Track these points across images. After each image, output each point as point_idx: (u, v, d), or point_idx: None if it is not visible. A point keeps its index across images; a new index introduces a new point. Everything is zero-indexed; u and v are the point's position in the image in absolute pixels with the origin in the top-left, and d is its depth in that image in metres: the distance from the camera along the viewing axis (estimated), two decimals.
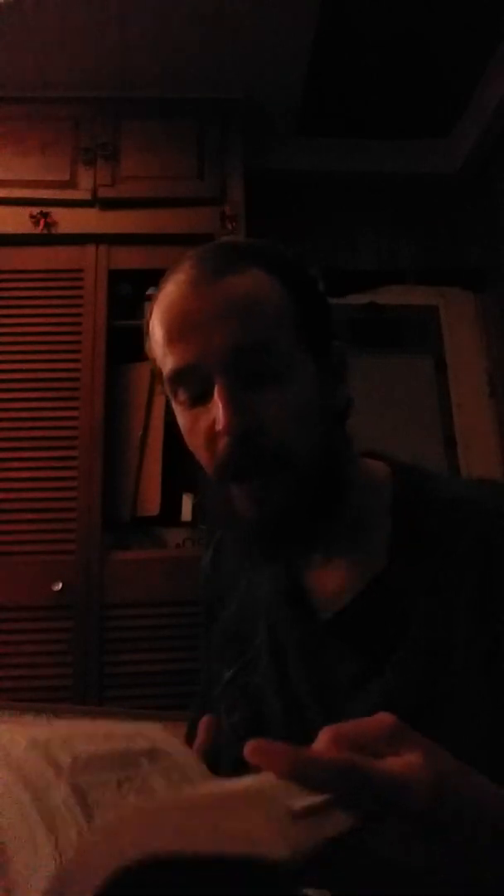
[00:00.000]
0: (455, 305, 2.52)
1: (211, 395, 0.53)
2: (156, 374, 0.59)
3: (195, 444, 0.56)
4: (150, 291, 1.84)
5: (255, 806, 0.29)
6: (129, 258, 2.02)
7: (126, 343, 1.88)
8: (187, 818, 0.29)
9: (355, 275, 2.46)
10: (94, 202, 2.05)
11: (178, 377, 0.55)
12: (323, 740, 0.33)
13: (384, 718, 0.33)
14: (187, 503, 1.96)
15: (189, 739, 0.74)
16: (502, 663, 0.50)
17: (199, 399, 0.54)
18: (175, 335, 0.54)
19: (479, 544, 0.53)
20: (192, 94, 2.17)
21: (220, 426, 0.51)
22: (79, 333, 1.95)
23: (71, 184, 2.06)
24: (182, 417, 0.57)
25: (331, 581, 0.59)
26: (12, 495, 1.82)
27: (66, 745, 0.46)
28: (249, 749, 0.30)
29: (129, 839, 0.28)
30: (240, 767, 0.33)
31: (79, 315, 1.96)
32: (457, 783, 0.32)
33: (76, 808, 0.39)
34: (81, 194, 2.04)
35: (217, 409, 0.52)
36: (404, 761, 0.31)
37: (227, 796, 0.30)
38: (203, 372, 0.53)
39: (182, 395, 0.55)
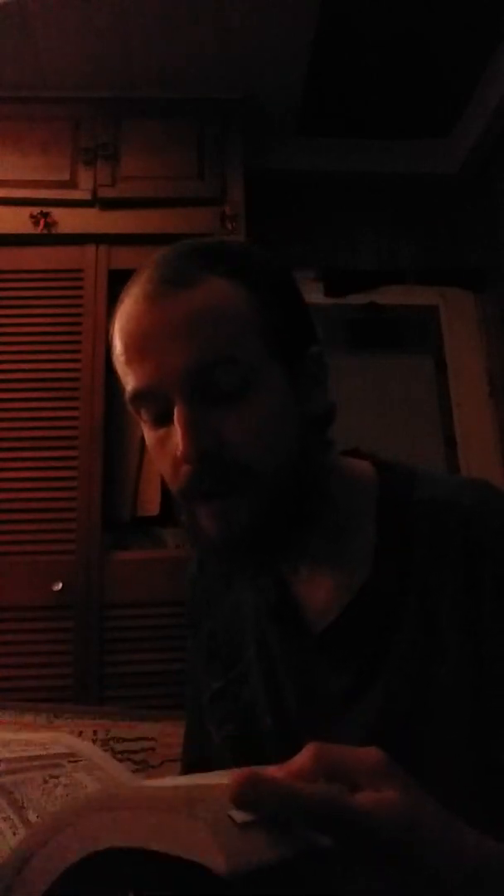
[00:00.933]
0: (455, 305, 2.52)
1: (173, 416, 0.52)
2: (121, 388, 0.58)
3: (161, 465, 0.55)
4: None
5: (203, 812, 0.28)
6: (129, 258, 2.01)
7: None
8: (138, 815, 0.29)
9: (355, 275, 2.46)
10: (94, 202, 2.05)
11: (138, 399, 0.54)
12: (306, 756, 0.33)
13: (372, 753, 0.34)
14: None
15: (186, 747, 0.74)
16: (488, 666, 0.49)
17: (162, 419, 0.53)
18: (132, 356, 0.53)
19: (465, 547, 0.53)
20: (193, 94, 2.17)
21: (179, 453, 0.50)
22: (79, 333, 1.95)
23: (71, 184, 2.06)
24: (147, 437, 0.56)
25: (319, 591, 0.58)
26: (12, 495, 1.82)
27: None
28: (238, 781, 0.30)
29: (88, 830, 0.29)
30: None
31: (79, 315, 1.96)
32: (431, 826, 0.32)
33: (5, 807, 0.40)
34: (81, 194, 2.04)
35: (178, 435, 0.51)
36: (379, 797, 0.31)
37: (178, 799, 0.30)
38: (162, 394, 0.52)
39: (145, 415, 0.55)
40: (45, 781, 0.43)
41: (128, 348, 0.53)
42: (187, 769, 0.72)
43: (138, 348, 0.52)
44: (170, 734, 1.33)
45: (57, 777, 0.44)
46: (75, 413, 1.88)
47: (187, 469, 0.51)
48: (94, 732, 1.35)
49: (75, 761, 0.47)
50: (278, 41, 2.03)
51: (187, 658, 0.75)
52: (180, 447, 0.50)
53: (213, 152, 2.12)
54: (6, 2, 1.84)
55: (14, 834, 0.37)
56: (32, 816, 0.39)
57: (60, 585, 1.75)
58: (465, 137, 2.44)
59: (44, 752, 0.48)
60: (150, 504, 1.90)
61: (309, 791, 0.30)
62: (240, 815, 0.29)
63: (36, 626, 1.74)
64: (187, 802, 0.29)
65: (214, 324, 0.51)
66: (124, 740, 1.36)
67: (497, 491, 0.58)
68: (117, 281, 1.99)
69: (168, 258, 0.55)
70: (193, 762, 0.71)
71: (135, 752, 1.33)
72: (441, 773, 0.48)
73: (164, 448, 0.54)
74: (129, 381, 0.54)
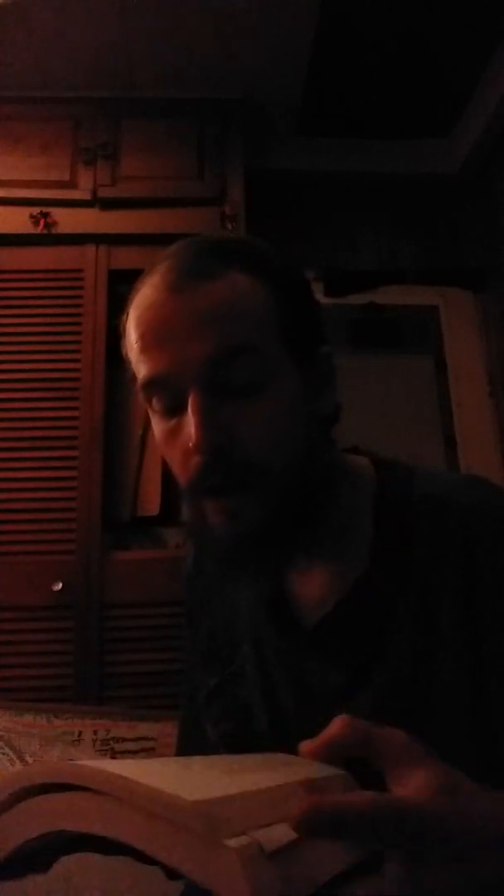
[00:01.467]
0: (455, 305, 2.52)
1: (186, 406, 0.51)
2: (132, 375, 0.57)
3: (170, 457, 0.55)
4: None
5: (227, 837, 0.26)
6: (129, 258, 2.01)
7: None
8: (136, 815, 0.27)
9: (355, 275, 2.46)
10: (94, 202, 2.05)
11: (152, 386, 0.53)
12: (336, 729, 0.33)
13: (397, 733, 0.34)
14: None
15: (180, 744, 0.74)
16: (489, 664, 0.49)
17: (174, 410, 0.53)
18: (149, 343, 0.52)
19: (461, 544, 0.52)
20: (193, 94, 2.17)
21: (192, 444, 0.50)
22: (79, 333, 1.95)
23: (71, 184, 2.06)
24: (157, 427, 0.56)
25: (314, 587, 0.58)
26: (12, 495, 1.82)
27: None
28: (302, 812, 0.29)
29: (67, 806, 0.28)
30: None
31: (79, 315, 1.96)
32: (471, 801, 0.32)
33: (6, 747, 0.41)
34: (81, 194, 2.04)
35: (190, 425, 0.50)
36: (416, 787, 0.31)
37: (193, 816, 0.26)
38: (177, 383, 0.51)
39: (157, 405, 0.54)
40: (42, 745, 0.45)
41: (145, 335, 0.53)
42: None
43: (157, 336, 0.52)
44: (170, 734, 1.34)
45: (52, 745, 0.46)
46: (75, 413, 1.88)
47: (198, 461, 0.51)
48: (94, 732, 1.35)
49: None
50: (278, 41, 2.03)
51: (185, 658, 0.74)
52: (193, 437, 0.50)
53: (213, 152, 2.12)
54: (6, 1, 1.84)
55: (11, 765, 0.39)
56: (30, 759, 0.41)
57: (60, 585, 1.75)
58: (465, 137, 2.44)
59: (46, 726, 0.50)
60: (150, 504, 1.90)
61: (369, 803, 0.29)
62: (269, 843, 0.26)
63: (36, 626, 1.74)
64: (207, 822, 0.25)
65: (234, 318, 0.51)
66: (124, 740, 1.36)
67: (496, 488, 0.58)
68: (117, 281, 2.00)
69: (188, 251, 0.55)
70: None
71: (135, 752, 1.34)
72: None
73: (175, 439, 0.53)
74: (143, 370, 0.53)
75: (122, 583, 1.79)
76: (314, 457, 0.54)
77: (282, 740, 0.57)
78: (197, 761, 0.36)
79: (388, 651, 0.52)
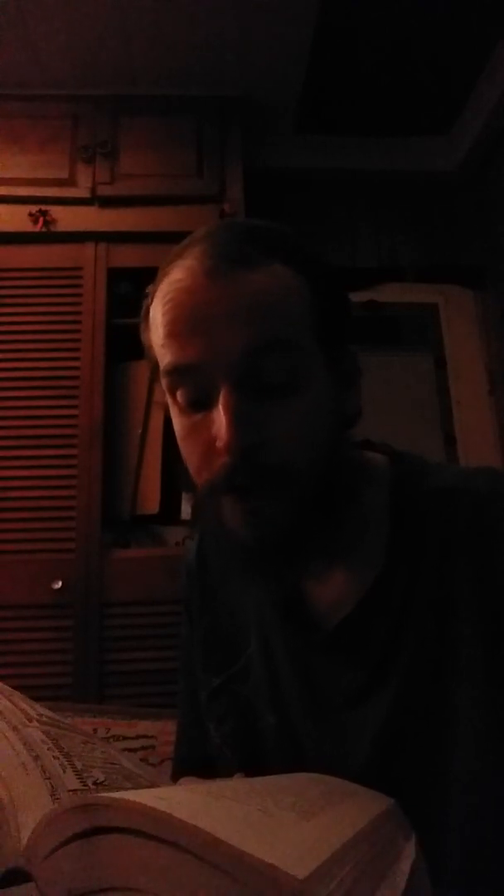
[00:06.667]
0: (455, 303, 2.51)
1: (213, 401, 0.48)
2: (151, 364, 0.54)
3: (191, 453, 0.52)
4: (149, 289, 1.83)
5: None
6: (128, 256, 2.01)
7: (125, 341, 1.87)
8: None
9: (355, 273, 2.46)
10: (93, 200, 2.04)
11: (179, 374, 0.49)
12: None
13: None
14: (187, 501, 1.96)
15: (179, 742, 0.73)
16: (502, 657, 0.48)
17: (200, 404, 0.50)
18: (180, 328, 0.48)
19: (476, 532, 0.51)
20: (192, 92, 2.17)
21: (221, 443, 0.47)
22: (78, 332, 1.94)
23: (70, 182, 2.05)
24: (178, 421, 0.52)
25: (330, 587, 0.57)
26: (12, 494, 1.82)
27: (31, 705, 0.48)
28: None
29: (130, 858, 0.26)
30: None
31: (78, 313, 1.96)
32: None
33: (54, 749, 0.40)
34: (80, 192, 2.04)
35: (220, 423, 0.47)
36: None
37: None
38: (207, 375, 0.48)
39: (181, 396, 0.50)
40: (84, 743, 0.45)
41: (176, 320, 0.49)
42: (180, 765, 0.71)
43: (190, 322, 0.48)
44: (170, 732, 1.33)
45: (94, 744, 0.45)
46: (75, 412, 1.88)
47: (225, 461, 0.48)
48: (94, 731, 1.35)
49: (106, 738, 0.48)
50: (277, 39, 2.03)
51: (183, 651, 0.73)
52: (224, 437, 0.46)
53: (211, 150, 2.12)
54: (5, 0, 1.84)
55: (64, 772, 0.39)
56: (79, 764, 0.41)
57: (60, 584, 1.75)
58: (465, 135, 2.43)
59: (74, 724, 0.49)
60: (150, 502, 1.90)
61: None
62: None
63: (36, 625, 1.74)
64: None
65: (275, 308, 0.48)
66: (124, 738, 1.36)
67: None
68: (117, 279, 2.00)
69: (224, 235, 0.52)
70: (186, 758, 0.71)
71: (135, 750, 1.33)
72: (466, 766, 0.47)
73: (198, 435, 0.50)
74: (171, 354, 0.49)
75: (121, 581, 1.79)
76: (335, 462, 0.52)
77: (289, 740, 0.57)
78: (252, 791, 0.33)
79: (406, 649, 0.51)
